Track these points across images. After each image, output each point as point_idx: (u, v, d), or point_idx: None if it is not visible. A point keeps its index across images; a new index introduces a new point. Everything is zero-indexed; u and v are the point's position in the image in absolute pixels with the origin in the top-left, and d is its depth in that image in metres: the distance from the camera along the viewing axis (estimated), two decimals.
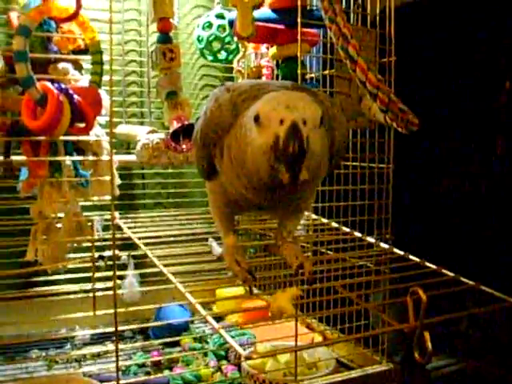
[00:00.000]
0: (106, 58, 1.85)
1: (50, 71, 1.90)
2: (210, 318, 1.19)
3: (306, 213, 2.00)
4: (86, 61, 1.99)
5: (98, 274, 2.07)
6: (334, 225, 1.98)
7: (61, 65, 1.92)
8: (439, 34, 2.29)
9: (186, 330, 2.44)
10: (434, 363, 2.14)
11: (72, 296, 2.17)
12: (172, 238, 1.75)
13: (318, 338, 2.29)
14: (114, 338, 1.66)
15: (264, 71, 2.41)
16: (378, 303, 1.98)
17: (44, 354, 2.27)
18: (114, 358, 1.70)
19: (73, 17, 1.81)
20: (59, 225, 1.94)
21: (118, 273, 1.93)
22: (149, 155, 2.10)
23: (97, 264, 2.07)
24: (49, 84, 1.71)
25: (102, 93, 1.93)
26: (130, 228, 1.91)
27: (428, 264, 1.52)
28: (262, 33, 2.04)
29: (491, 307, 1.31)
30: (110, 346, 2.30)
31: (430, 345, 1.09)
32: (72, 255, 2.08)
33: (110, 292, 1.66)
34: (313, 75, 2.25)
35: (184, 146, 2.07)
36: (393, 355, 2.08)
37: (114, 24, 1.69)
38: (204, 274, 1.73)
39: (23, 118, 1.72)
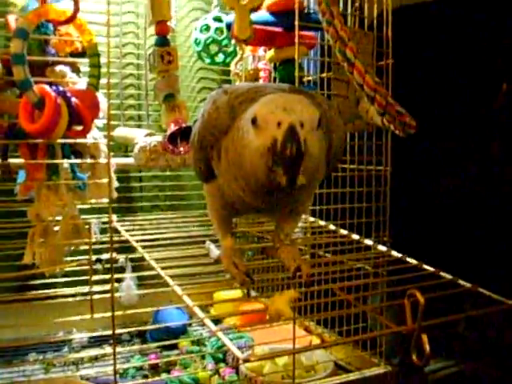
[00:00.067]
0: (103, 60, 1.85)
1: (48, 74, 1.90)
2: (207, 321, 1.19)
3: (304, 215, 2.00)
4: (83, 63, 1.99)
5: (95, 277, 2.06)
6: (332, 227, 1.99)
7: (58, 67, 1.92)
8: (436, 36, 2.29)
9: (184, 332, 2.44)
10: (432, 366, 2.14)
11: (69, 299, 2.17)
12: (169, 241, 1.75)
13: (316, 341, 2.29)
14: (112, 341, 1.66)
15: (261, 74, 2.40)
16: (376, 306, 1.98)
17: (41, 357, 2.27)
18: (111, 361, 1.69)
19: (70, 19, 1.80)
20: (57, 228, 1.94)
21: (116, 276, 1.93)
22: (146, 158, 2.10)
23: (94, 267, 2.06)
24: (46, 87, 1.70)
25: (100, 95, 1.92)
26: (127, 231, 1.91)
27: (426, 266, 1.53)
28: (260, 36, 2.04)
29: (489, 309, 1.31)
30: (108, 349, 2.30)
31: (427, 347, 1.09)
32: (69, 258, 2.08)
33: (108, 295, 1.66)
34: (310, 78, 2.25)
35: (181, 149, 2.07)
36: (391, 358, 2.08)
37: (111, 27, 1.69)
38: (202, 277, 1.72)
39: (21, 121, 1.72)
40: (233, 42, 2.41)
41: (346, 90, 1.95)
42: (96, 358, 2.25)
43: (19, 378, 2.08)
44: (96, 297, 2.02)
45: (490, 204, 2.19)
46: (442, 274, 1.47)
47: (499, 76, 2.17)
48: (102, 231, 2.16)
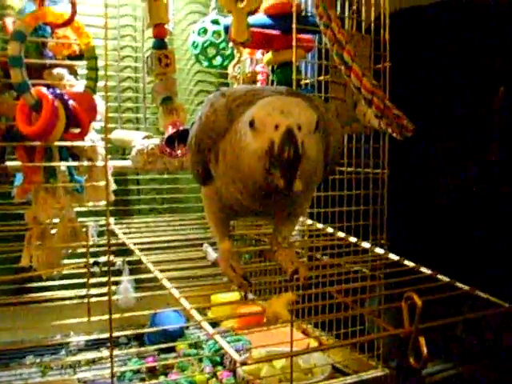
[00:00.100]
0: (101, 63, 1.85)
1: (45, 76, 1.90)
2: (205, 324, 1.19)
3: (301, 218, 2.00)
4: (81, 66, 1.99)
5: (92, 280, 2.05)
6: (330, 230, 1.99)
7: (56, 70, 1.92)
8: (433, 39, 2.30)
9: (181, 335, 2.43)
10: (430, 368, 2.14)
11: (67, 302, 2.16)
12: (167, 244, 1.75)
13: (314, 344, 2.28)
14: (109, 344, 1.66)
15: (259, 77, 2.40)
16: (374, 308, 1.98)
17: (38, 360, 2.26)
18: (108, 364, 1.70)
19: (68, 22, 1.81)
20: (54, 230, 1.93)
21: (113, 279, 1.93)
22: (144, 161, 2.10)
23: (91, 270, 2.06)
24: (44, 89, 1.70)
25: (97, 98, 1.92)
26: (124, 234, 1.91)
27: (423, 269, 1.53)
28: (257, 39, 2.04)
29: (486, 312, 1.31)
30: (105, 352, 2.29)
31: (425, 350, 1.09)
32: (67, 261, 2.07)
33: (105, 298, 1.65)
34: (308, 81, 2.26)
35: (179, 152, 2.07)
36: (388, 360, 2.08)
37: (109, 30, 1.69)
38: (199, 280, 1.72)
39: (18, 124, 1.72)
40: (230, 44, 2.41)
41: (344, 93, 1.95)
42: (93, 361, 2.24)
43: (16, 381, 2.08)
44: (93, 300, 2.01)
45: (488, 206, 2.19)
46: (440, 276, 1.47)
47: (496, 78, 2.18)
48: (100, 234, 2.16)
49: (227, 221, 1.46)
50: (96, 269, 2.11)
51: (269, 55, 2.19)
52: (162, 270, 1.44)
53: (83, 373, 2.15)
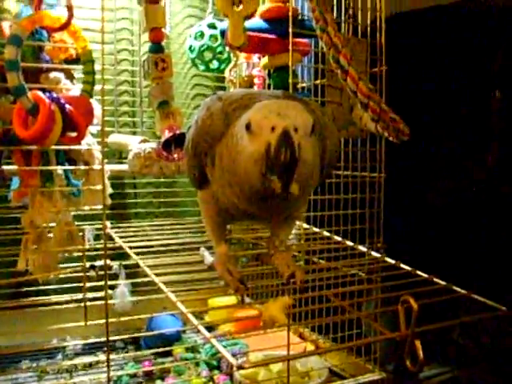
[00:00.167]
0: (97, 67, 1.85)
1: (42, 80, 1.90)
2: (201, 328, 1.19)
3: (298, 222, 2.00)
4: (77, 70, 1.99)
5: (89, 284, 2.06)
6: (326, 234, 1.99)
7: (52, 74, 1.92)
8: (429, 43, 2.31)
9: (178, 339, 2.43)
10: (427, 372, 2.14)
11: (63, 306, 2.15)
12: (163, 248, 1.75)
13: (311, 347, 2.28)
14: (106, 348, 1.66)
15: (256, 81, 2.41)
16: (370, 312, 1.98)
17: (35, 364, 2.26)
18: (105, 369, 1.69)
19: (64, 26, 1.81)
20: (50, 234, 1.93)
21: (110, 282, 1.92)
22: (140, 164, 2.10)
23: (88, 274, 2.06)
24: (40, 93, 1.70)
25: (94, 102, 1.92)
26: (121, 237, 1.90)
27: (419, 273, 1.53)
28: (254, 42, 2.04)
29: (483, 316, 1.31)
30: (102, 356, 2.29)
31: (421, 353, 1.09)
32: (63, 265, 2.07)
33: (102, 302, 1.66)
34: (304, 85, 2.26)
35: (175, 156, 2.07)
36: (385, 364, 2.08)
37: (105, 33, 1.69)
38: (196, 284, 1.72)
39: (14, 127, 1.72)
40: (227, 48, 2.41)
41: (340, 97, 1.95)
42: (90, 365, 2.24)
43: None
44: (90, 304, 2.02)
45: (484, 210, 2.20)
46: (436, 280, 1.47)
47: (493, 83, 2.19)
48: (96, 238, 2.15)
49: (224, 225, 1.46)
50: (92, 273, 2.10)
51: (265, 59, 2.19)
52: (158, 274, 1.44)
53: (80, 377, 2.14)
